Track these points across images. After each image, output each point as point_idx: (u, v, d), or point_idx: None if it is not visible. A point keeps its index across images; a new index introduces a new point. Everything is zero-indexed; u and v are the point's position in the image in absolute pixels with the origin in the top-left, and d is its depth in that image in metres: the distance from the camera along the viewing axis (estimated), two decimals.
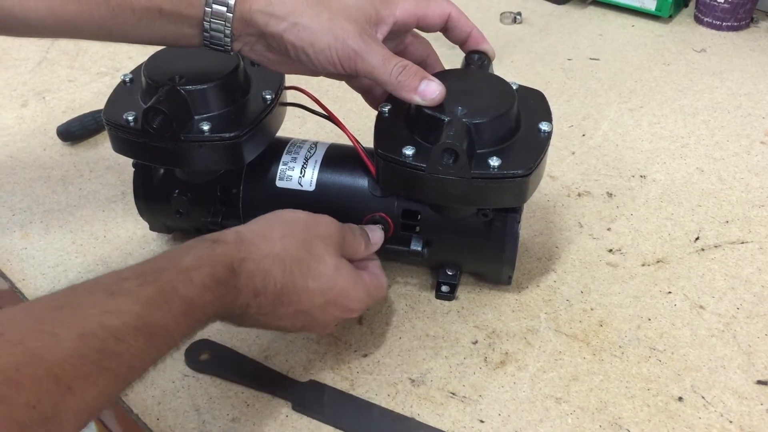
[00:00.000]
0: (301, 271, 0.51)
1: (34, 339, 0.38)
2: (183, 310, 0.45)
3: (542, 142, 0.57)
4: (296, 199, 0.63)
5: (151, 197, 0.67)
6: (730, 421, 0.55)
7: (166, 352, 0.45)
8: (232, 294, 0.48)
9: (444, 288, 0.65)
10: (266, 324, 0.53)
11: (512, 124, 0.58)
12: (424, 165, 0.55)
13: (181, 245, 0.50)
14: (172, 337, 0.44)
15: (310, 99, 0.65)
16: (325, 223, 0.55)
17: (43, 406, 0.36)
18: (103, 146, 0.85)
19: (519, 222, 0.61)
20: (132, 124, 0.59)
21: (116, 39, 0.56)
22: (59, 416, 0.37)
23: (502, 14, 1.12)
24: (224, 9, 0.53)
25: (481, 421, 0.56)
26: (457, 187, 0.55)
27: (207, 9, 0.53)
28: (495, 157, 0.55)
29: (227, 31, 0.54)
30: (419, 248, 0.61)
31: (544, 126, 0.58)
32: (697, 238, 0.72)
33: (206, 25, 0.54)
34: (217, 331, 0.62)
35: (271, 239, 0.51)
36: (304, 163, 0.63)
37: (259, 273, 0.50)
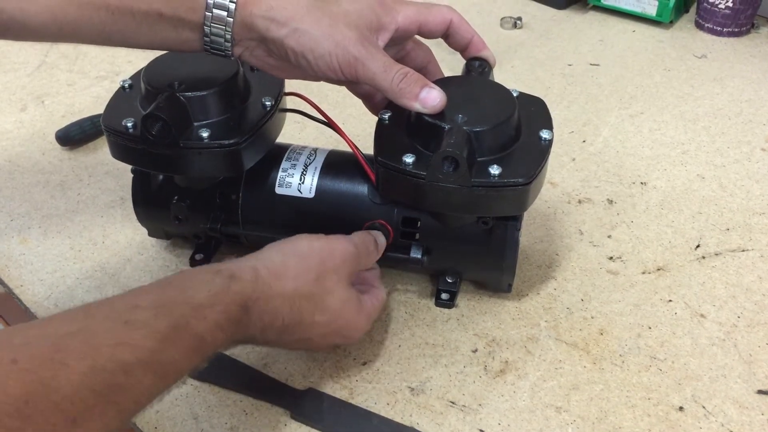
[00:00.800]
0: (309, 308, 0.53)
1: (46, 368, 0.38)
2: (194, 347, 0.45)
3: (543, 150, 0.57)
4: (295, 206, 0.62)
5: (150, 203, 0.67)
6: (731, 431, 0.55)
7: (173, 386, 0.46)
8: (241, 331, 0.49)
9: (444, 296, 0.65)
10: (267, 346, 0.56)
11: (513, 132, 0.57)
12: (424, 173, 0.55)
13: (197, 272, 0.50)
14: (181, 372, 0.45)
15: (309, 105, 0.65)
16: (341, 252, 0.55)
17: None
18: (102, 151, 0.85)
19: (519, 230, 0.60)
20: (131, 130, 0.59)
21: (116, 43, 0.56)
22: None
23: (502, 19, 1.11)
24: (225, 14, 0.53)
25: (481, 431, 0.55)
26: (457, 195, 0.55)
27: (207, 14, 0.53)
28: (495, 165, 0.54)
29: (228, 36, 0.54)
30: (419, 256, 0.61)
31: (544, 134, 0.58)
32: (697, 246, 0.72)
33: (207, 29, 0.54)
34: None
35: (285, 278, 0.52)
36: (304, 169, 0.63)
37: (268, 313, 0.51)
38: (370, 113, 0.65)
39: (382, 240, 0.60)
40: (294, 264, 0.53)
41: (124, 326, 0.43)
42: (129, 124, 0.59)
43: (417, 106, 0.55)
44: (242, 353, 0.61)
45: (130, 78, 0.64)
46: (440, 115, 0.56)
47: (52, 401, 0.37)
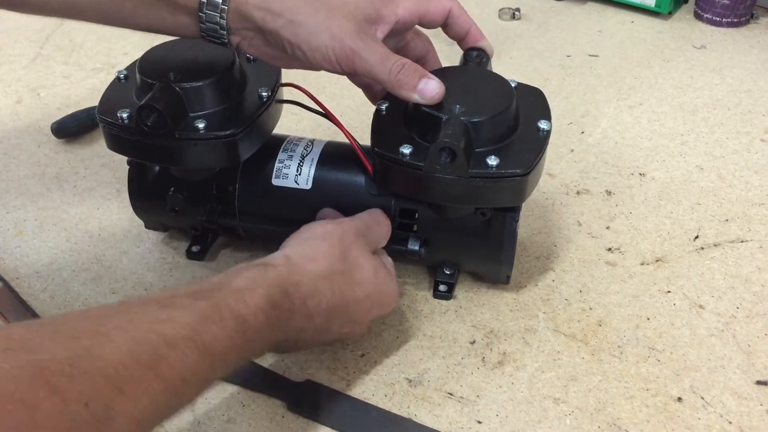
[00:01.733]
0: (347, 284, 0.54)
1: (88, 337, 0.38)
2: (237, 327, 0.45)
3: (541, 140, 0.57)
4: (292, 197, 0.62)
5: (146, 195, 0.66)
6: (730, 422, 0.55)
7: (220, 372, 0.45)
8: (285, 316, 0.49)
9: (442, 287, 0.65)
10: (319, 341, 0.55)
11: (511, 123, 0.57)
12: (422, 164, 0.54)
13: (230, 270, 0.50)
14: (226, 354, 0.44)
15: (306, 96, 0.64)
16: (352, 228, 0.56)
17: (96, 405, 0.36)
18: (98, 143, 0.84)
19: (517, 221, 0.60)
20: (126, 121, 0.58)
21: (115, 23, 0.56)
22: (112, 421, 0.36)
23: (500, 10, 1.11)
24: (219, 1, 0.52)
25: (479, 422, 0.55)
26: (454, 186, 0.54)
27: (202, 0, 0.53)
28: (493, 156, 0.54)
29: (223, 23, 0.53)
30: (416, 247, 0.61)
31: (543, 124, 0.58)
32: (696, 237, 0.72)
33: (202, 16, 0.53)
34: None
35: (316, 260, 0.53)
36: (301, 161, 0.63)
37: (311, 296, 0.51)
38: (368, 105, 0.64)
39: (385, 218, 0.60)
40: (319, 246, 0.54)
41: (163, 308, 0.43)
42: (124, 115, 0.58)
43: (415, 97, 0.54)
44: None
45: (126, 69, 0.64)
46: (438, 105, 0.55)
47: (97, 366, 0.37)
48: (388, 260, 0.60)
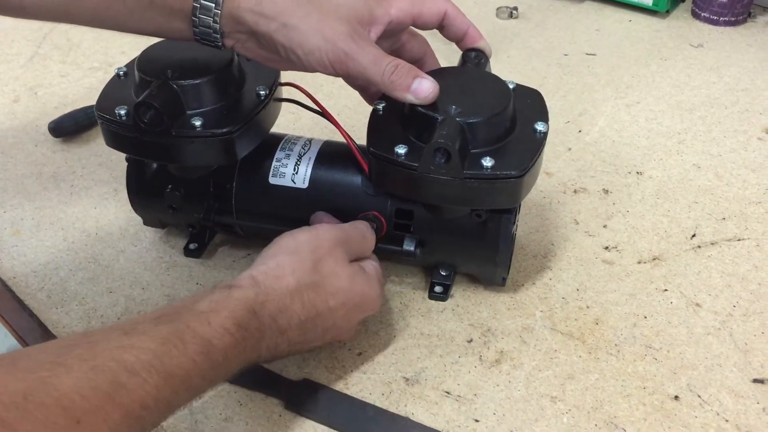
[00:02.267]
0: (319, 296, 0.53)
1: (47, 369, 0.38)
2: (200, 350, 0.44)
3: (537, 142, 0.57)
4: (289, 196, 0.62)
5: (144, 192, 0.66)
6: (726, 420, 0.55)
7: (185, 398, 0.44)
8: (255, 337, 0.48)
9: (437, 289, 0.65)
10: (299, 351, 0.54)
11: (507, 124, 0.57)
12: (416, 164, 0.54)
13: (195, 293, 0.50)
14: (190, 378, 0.44)
15: (304, 95, 0.64)
16: (328, 237, 0.55)
17: None
18: (95, 142, 0.84)
19: (514, 223, 0.60)
20: (124, 118, 0.58)
21: (110, 27, 0.56)
22: None
23: (498, 9, 1.11)
24: (212, 5, 0.52)
25: (476, 421, 0.55)
26: (449, 187, 0.54)
27: (195, 4, 0.53)
28: (489, 158, 0.54)
29: (216, 27, 0.53)
30: (412, 248, 0.61)
31: (540, 126, 0.58)
32: (693, 235, 0.72)
33: (195, 20, 0.53)
34: None
35: (283, 276, 0.52)
36: (298, 159, 0.63)
37: (281, 313, 0.50)
38: (365, 104, 0.64)
39: (371, 232, 0.59)
40: (287, 261, 0.53)
41: (125, 335, 0.42)
42: (122, 112, 0.58)
43: (409, 98, 0.54)
44: None
45: (125, 66, 0.64)
46: (433, 106, 0.55)
47: (53, 397, 0.36)
48: (371, 264, 0.58)
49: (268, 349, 0.50)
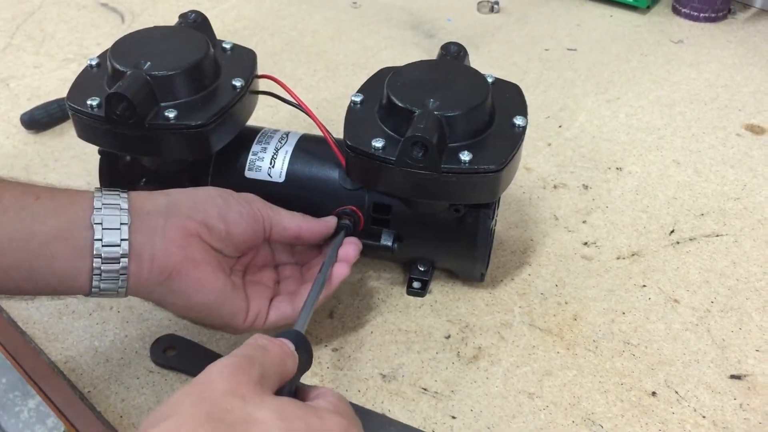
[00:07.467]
0: None
1: None
2: None
3: (516, 136, 0.56)
4: (265, 190, 0.61)
5: (118, 185, 0.64)
6: (704, 416, 0.55)
7: None
8: None
9: (415, 284, 0.64)
10: None
11: (485, 118, 0.56)
12: (394, 158, 0.54)
13: None
14: None
15: (282, 88, 0.63)
16: (220, 370, 0.40)
17: None
18: (68, 135, 0.82)
19: (492, 218, 0.60)
20: (95, 110, 0.57)
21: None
22: None
23: (479, 3, 1.10)
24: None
25: (453, 417, 0.55)
26: (426, 181, 0.54)
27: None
28: (467, 152, 0.54)
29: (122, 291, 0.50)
30: (390, 243, 0.60)
31: (518, 120, 0.57)
32: (672, 231, 0.72)
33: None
34: (183, 326, 0.60)
35: None
36: (274, 153, 0.62)
37: None
38: (344, 97, 0.64)
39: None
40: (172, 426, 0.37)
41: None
42: (93, 103, 0.57)
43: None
44: (210, 340, 0.60)
45: (98, 57, 0.63)
46: (411, 98, 0.54)
47: None
48: (324, 398, 0.43)
49: None
